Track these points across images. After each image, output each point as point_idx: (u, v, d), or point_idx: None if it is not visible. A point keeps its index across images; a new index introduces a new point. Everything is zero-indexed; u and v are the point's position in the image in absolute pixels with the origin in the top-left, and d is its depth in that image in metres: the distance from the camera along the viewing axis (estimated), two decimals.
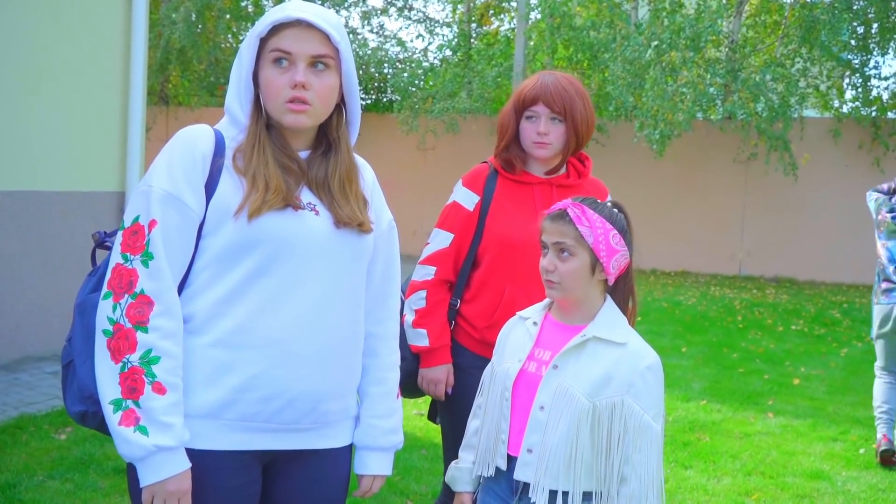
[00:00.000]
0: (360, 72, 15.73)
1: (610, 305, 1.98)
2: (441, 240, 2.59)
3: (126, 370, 1.56)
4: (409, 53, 17.30)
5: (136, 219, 1.62)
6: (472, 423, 2.12)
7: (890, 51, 12.92)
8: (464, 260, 2.58)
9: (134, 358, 1.56)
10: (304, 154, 1.77)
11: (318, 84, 1.68)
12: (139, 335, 1.56)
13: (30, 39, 5.59)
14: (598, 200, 1.99)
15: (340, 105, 1.79)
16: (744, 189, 13.32)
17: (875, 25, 12.73)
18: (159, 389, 1.56)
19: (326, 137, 1.78)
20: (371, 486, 1.90)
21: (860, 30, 12.95)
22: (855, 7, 12.33)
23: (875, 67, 13.08)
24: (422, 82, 15.96)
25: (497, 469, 1.97)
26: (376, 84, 16.70)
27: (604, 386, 1.88)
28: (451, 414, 2.60)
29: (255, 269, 1.64)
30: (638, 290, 2.61)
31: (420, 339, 2.54)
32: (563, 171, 2.61)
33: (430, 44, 17.71)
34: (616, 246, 1.94)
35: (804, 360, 7.32)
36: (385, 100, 16.81)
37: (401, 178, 13.69)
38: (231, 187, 1.66)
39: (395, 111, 15.21)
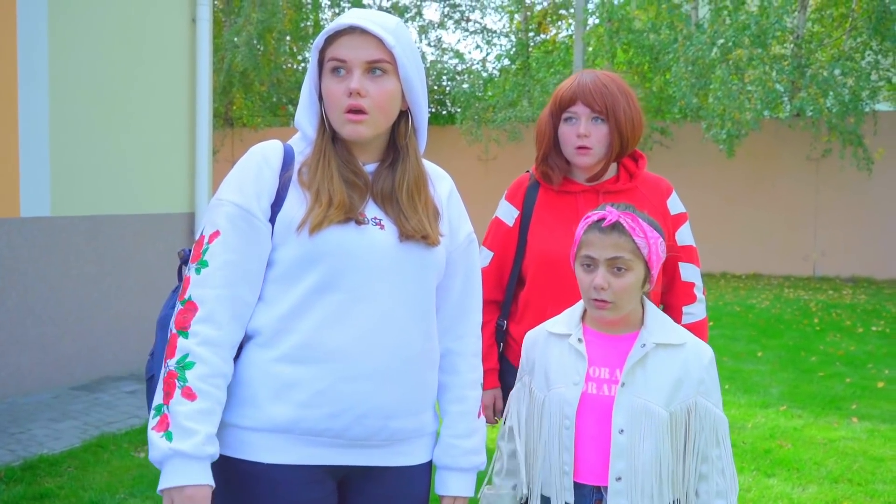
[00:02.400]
0: None
1: (652, 307, 1.90)
2: (482, 258, 2.41)
3: (166, 374, 1.55)
4: (468, 64, 17.36)
5: (202, 230, 1.64)
6: (507, 447, 1.98)
7: None
8: (507, 278, 2.43)
9: (172, 363, 1.55)
10: (372, 167, 1.73)
11: (374, 90, 1.65)
12: (180, 340, 1.56)
13: (100, 70, 5.77)
14: (634, 206, 1.87)
15: (407, 112, 1.75)
16: (815, 187, 12.95)
17: None
18: (188, 394, 1.52)
19: (395, 147, 1.75)
20: None
21: None
22: None
23: None
24: (481, 92, 16.00)
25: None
26: (436, 97, 16.79)
27: (676, 391, 1.80)
28: None
29: (318, 284, 1.62)
30: (709, 294, 2.55)
31: None
32: (608, 175, 2.36)
33: (488, 54, 17.74)
34: (662, 254, 1.85)
35: (888, 362, 7.04)
36: (444, 112, 16.88)
37: (462, 190, 13.62)
38: (296, 201, 1.65)
39: (457, 123, 15.24)
